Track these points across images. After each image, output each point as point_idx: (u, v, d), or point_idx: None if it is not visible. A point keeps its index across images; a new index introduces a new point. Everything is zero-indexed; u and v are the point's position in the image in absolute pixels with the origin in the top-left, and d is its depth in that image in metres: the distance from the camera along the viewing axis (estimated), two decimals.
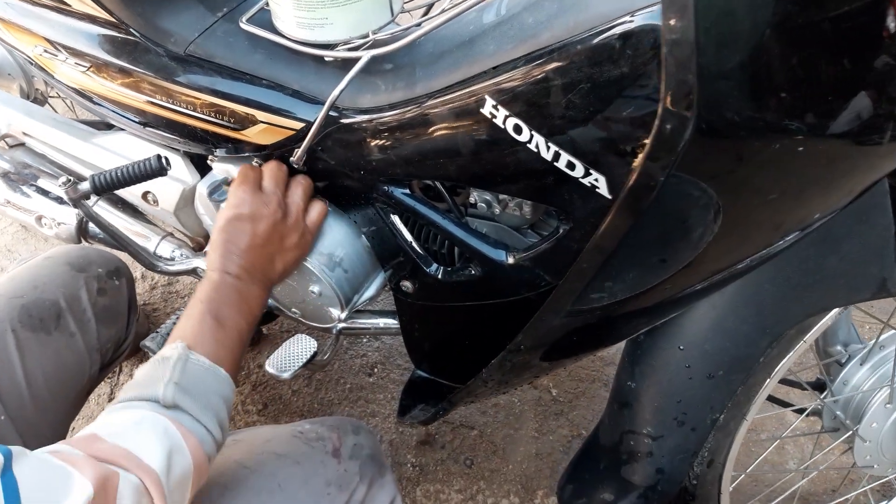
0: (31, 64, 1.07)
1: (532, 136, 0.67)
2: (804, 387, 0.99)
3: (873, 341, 0.95)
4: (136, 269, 1.30)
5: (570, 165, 0.66)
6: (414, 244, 0.91)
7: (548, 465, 1.36)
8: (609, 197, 0.65)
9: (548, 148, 0.66)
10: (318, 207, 0.90)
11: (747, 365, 0.79)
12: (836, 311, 0.82)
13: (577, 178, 0.66)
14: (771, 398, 1.04)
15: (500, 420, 1.44)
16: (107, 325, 1.08)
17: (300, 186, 0.89)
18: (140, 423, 0.65)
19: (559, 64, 0.62)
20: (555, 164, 0.67)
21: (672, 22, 0.42)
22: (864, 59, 0.47)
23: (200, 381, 0.71)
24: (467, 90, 0.70)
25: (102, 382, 1.38)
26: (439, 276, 0.90)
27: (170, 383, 0.68)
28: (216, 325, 0.77)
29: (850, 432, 0.96)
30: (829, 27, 0.44)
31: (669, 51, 0.44)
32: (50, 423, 0.98)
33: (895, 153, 0.54)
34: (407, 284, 0.96)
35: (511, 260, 0.80)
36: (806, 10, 0.43)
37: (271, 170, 0.89)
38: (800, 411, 1.03)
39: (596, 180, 0.65)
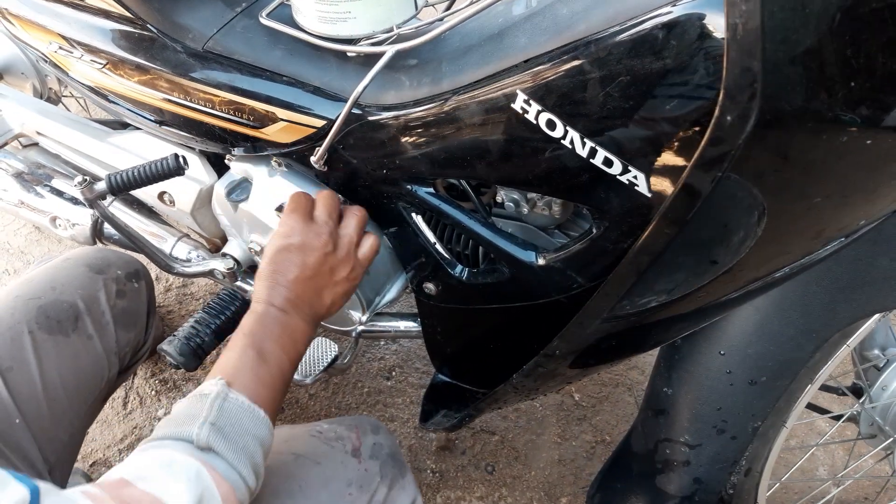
0: (46, 62, 1.05)
1: (566, 131, 0.64)
2: (843, 392, 0.95)
3: None
4: (151, 271, 1.28)
5: (608, 162, 0.63)
6: (438, 245, 0.89)
7: (571, 472, 1.33)
8: (648, 195, 0.62)
9: (583, 144, 0.64)
10: (370, 241, 0.86)
11: (792, 370, 0.75)
12: (879, 314, 0.78)
13: (615, 176, 0.63)
14: (813, 406, 1.00)
15: (522, 425, 1.41)
16: (126, 328, 1.06)
17: (354, 218, 0.86)
18: (170, 466, 0.62)
19: (596, 56, 0.59)
20: (590, 160, 0.64)
21: (737, 4, 0.39)
22: None
23: (237, 422, 0.68)
24: (497, 85, 0.67)
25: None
26: (464, 278, 0.88)
27: (205, 423, 0.65)
28: (258, 360, 0.74)
29: (891, 440, 0.92)
30: None
31: (733, 36, 0.41)
32: (66, 428, 0.96)
33: None
34: (430, 286, 0.94)
35: (542, 261, 0.77)
36: None
37: (324, 199, 0.86)
38: (836, 418, 0.99)
39: (635, 178, 0.62)
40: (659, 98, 0.57)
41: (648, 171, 0.61)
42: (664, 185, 0.61)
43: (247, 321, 0.78)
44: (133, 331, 1.09)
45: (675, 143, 0.56)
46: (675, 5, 0.53)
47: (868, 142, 0.47)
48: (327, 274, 0.82)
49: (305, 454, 0.83)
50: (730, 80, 0.42)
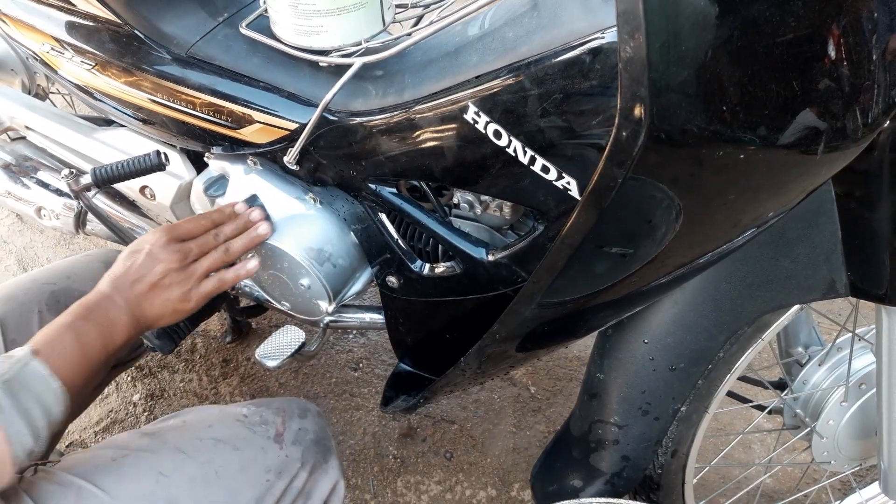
0: (36, 60, 1.11)
1: (510, 141, 0.71)
2: (766, 385, 1.04)
3: (831, 343, 1.01)
4: None
5: (545, 169, 0.71)
6: (399, 241, 0.96)
7: (524, 460, 1.42)
8: (579, 198, 0.70)
9: (525, 152, 0.71)
10: (211, 283, 0.91)
11: (706, 357, 0.84)
12: (792, 311, 0.87)
13: (551, 181, 0.71)
14: (736, 396, 1.09)
15: (480, 415, 1.49)
16: None
17: (210, 259, 0.91)
18: None
19: (535, 75, 0.67)
20: (531, 167, 0.72)
21: (626, 41, 0.48)
22: (801, 80, 0.53)
23: (30, 386, 0.73)
24: (452, 97, 0.75)
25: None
26: (423, 273, 0.95)
27: None
28: (73, 341, 0.79)
29: (809, 429, 1.01)
30: (768, 52, 0.49)
31: (624, 67, 0.49)
32: None
33: (831, 163, 0.60)
34: (392, 280, 1.01)
35: (491, 257, 0.85)
36: (744, 35, 0.48)
37: (203, 238, 0.91)
38: (762, 409, 1.08)
39: (568, 183, 0.70)
40: (586, 113, 0.65)
41: (578, 178, 0.69)
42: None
43: (81, 301, 0.83)
44: None
45: (599, 153, 0.64)
46: (604, 33, 0.62)
47: (752, 156, 0.56)
48: (164, 287, 0.87)
49: (226, 439, 0.86)
50: (623, 102, 0.50)
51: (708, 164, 0.57)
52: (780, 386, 1.08)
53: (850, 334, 0.97)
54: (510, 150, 0.72)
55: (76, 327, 0.80)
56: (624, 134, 0.51)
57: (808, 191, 0.66)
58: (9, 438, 0.69)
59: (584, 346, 1.60)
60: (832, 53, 0.53)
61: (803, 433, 1.04)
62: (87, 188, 1.01)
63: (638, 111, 0.49)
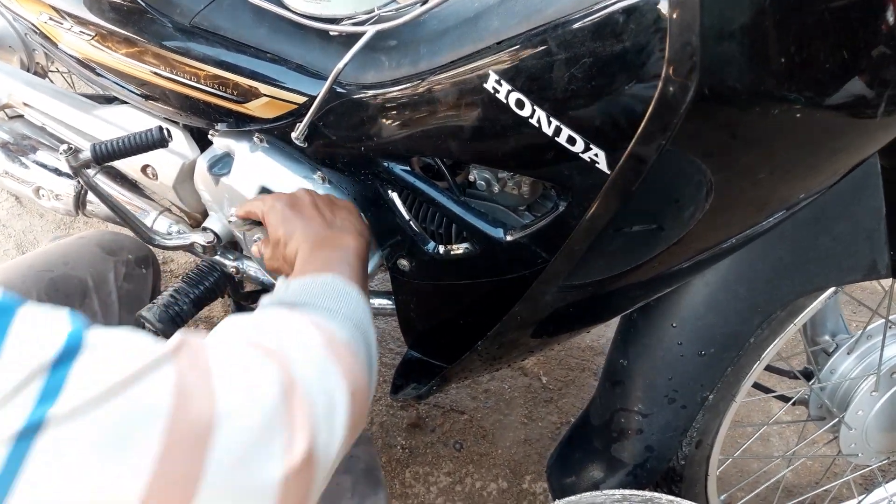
0: (35, 32, 1.07)
1: (534, 110, 0.68)
2: (794, 374, 1.00)
3: (861, 331, 0.96)
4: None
5: (571, 140, 0.67)
6: (412, 222, 0.92)
7: (536, 451, 1.38)
8: (608, 172, 0.66)
9: (549, 123, 0.67)
10: None
11: (738, 342, 0.80)
12: (825, 296, 0.83)
13: (578, 154, 0.67)
14: (760, 386, 1.05)
15: (491, 406, 1.45)
16: (129, 310, 1.07)
17: None
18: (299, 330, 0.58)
19: (563, 39, 0.63)
20: (556, 139, 0.68)
21: None
22: (861, 43, 0.48)
23: (346, 302, 0.67)
24: (471, 66, 0.71)
25: None
26: (437, 254, 0.91)
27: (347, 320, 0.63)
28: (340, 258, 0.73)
29: (837, 420, 0.97)
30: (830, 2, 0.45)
31: (674, 12, 0.45)
32: None
33: (885, 129, 0.56)
34: (404, 263, 0.97)
35: (509, 237, 0.81)
36: None
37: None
38: (787, 399, 1.05)
39: (596, 155, 0.66)
40: (619, 79, 0.61)
41: (608, 149, 0.65)
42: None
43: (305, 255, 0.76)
44: (134, 314, 1.10)
45: (633, 122, 0.60)
46: None
47: (805, 118, 0.51)
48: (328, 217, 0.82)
49: None
50: (672, 53, 0.46)
51: (753, 135, 0.53)
52: (806, 375, 1.04)
53: (881, 321, 0.93)
54: (533, 121, 0.68)
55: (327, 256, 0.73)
56: (670, 89, 0.47)
57: (861, 159, 0.62)
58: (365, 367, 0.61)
59: (597, 335, 1.56)
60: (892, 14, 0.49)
61: (830, 424, 1.00)
62: (87, 164, 0.98)
63: (687, 62, 0.45)
